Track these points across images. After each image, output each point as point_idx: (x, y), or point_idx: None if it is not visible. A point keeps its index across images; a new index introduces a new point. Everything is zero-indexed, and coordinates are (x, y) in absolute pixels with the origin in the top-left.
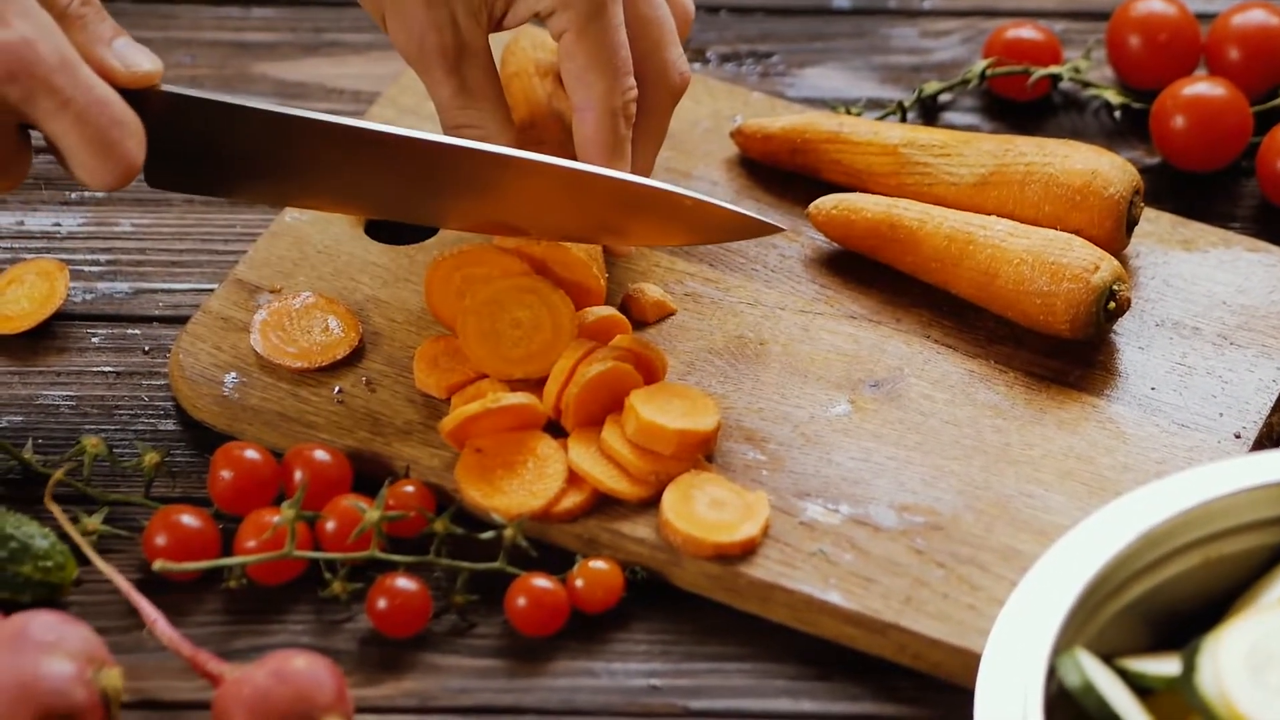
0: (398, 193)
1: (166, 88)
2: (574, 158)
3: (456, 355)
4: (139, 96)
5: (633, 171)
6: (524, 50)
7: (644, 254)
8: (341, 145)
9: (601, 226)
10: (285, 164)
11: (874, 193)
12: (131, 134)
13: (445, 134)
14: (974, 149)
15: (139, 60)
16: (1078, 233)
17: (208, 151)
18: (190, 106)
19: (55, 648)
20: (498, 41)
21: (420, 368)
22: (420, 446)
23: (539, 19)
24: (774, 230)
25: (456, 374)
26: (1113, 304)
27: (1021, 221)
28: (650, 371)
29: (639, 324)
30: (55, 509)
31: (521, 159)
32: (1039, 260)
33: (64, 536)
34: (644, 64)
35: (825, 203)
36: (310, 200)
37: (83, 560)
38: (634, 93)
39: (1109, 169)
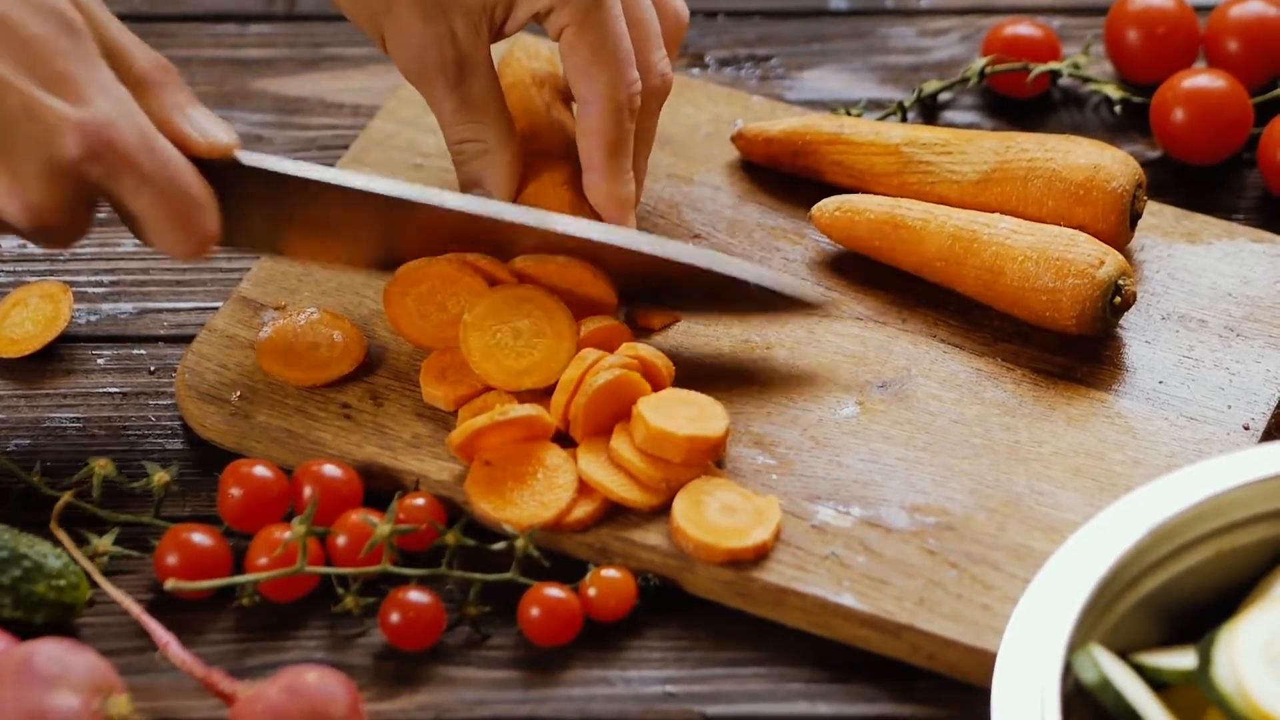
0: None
1: (241, 158)
2: (577, 168)
3: (463, 368)
4: (209, 164)
5: (621, 175)
6: (519, 61)
7: None
8: (397, 214)
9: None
10: (357, 237)
11: (876, 193)
12: (208, 208)
13: (449, 148)
14: (976, 146)
15: (216, 133)
16: (1081, 228)
17: (277, 218)
18: (260, 177)
19: (60, 680)
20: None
21: (427, 381)
22: (429, 459)
23: (538, 20)
24: (815, 308)
25: (464, 386)
26: (1118, 298)
27: (1025, 218)
28: (657, 379)
29: (645, 331)
30: (62, 535)
31: (574, 236)
32: (1043, 256)
33: (75, 560)
34: None
35: (828, 205)
36: (368, 262)
37: (94, 583)
38: (638, 85)
39: (1111, 163)
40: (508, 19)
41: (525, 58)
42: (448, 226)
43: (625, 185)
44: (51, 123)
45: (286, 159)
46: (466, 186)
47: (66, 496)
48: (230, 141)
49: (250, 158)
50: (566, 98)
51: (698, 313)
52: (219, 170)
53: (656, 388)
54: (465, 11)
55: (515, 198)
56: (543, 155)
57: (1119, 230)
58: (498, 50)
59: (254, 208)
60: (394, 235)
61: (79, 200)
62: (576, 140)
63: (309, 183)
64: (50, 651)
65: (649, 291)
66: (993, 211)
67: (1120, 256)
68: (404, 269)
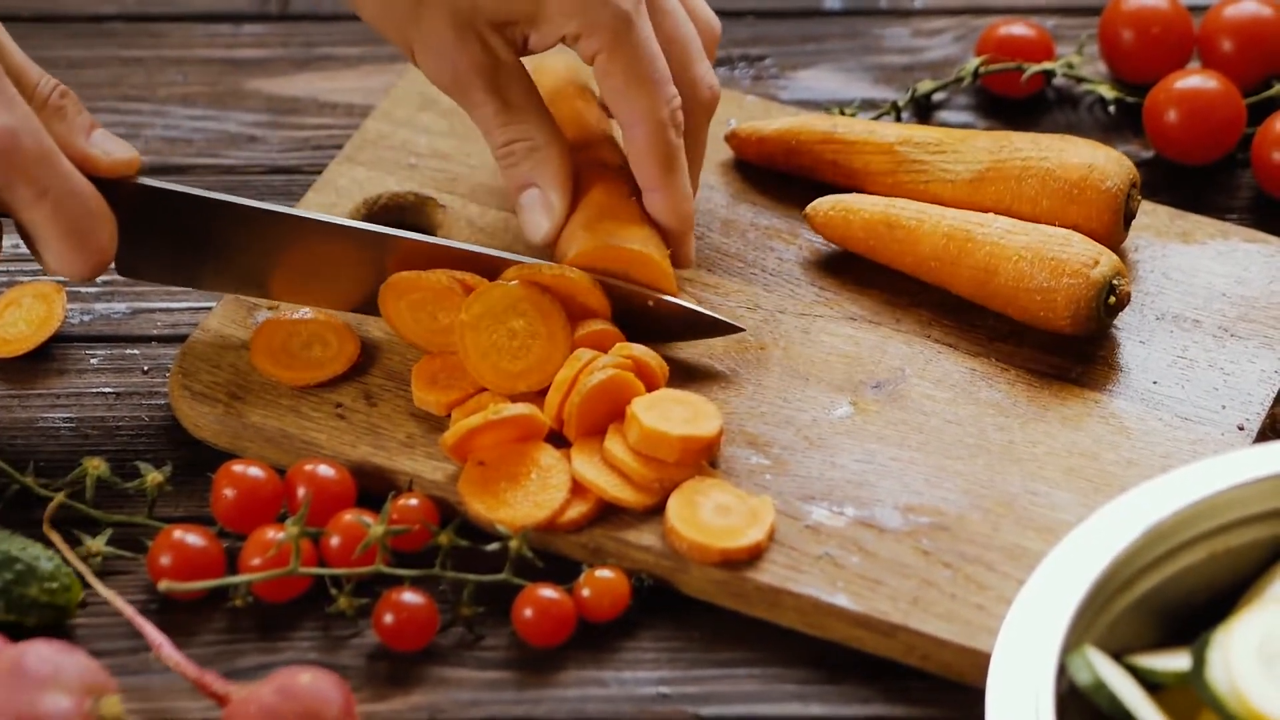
0: (366, 286)
1: (141, 180)
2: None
3: (455, 371)
4: (109, 187)
5: (681, 190)
6: (558, 73)
7: None
8: (314, 238)
9: None
10: (257, 258)
11: (871, 193)
12: (105, 225)
13: (494, 155)
14: (970, 146)
15: (117, 150)
16: (1075, 227)
17: (177, 243)
18: (161, 198)
19: (52, 681)
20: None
21: (418, 386)
22: (423, 460)
23: (566, 44)
24: (734, 330)
25: (455, 390)
26: (1113, 298)
27: (1019, 217)
28: (651, 379)
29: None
30: (55, 537)
31: (505, 259)
32: (1038, 256)
33: (68, 561)
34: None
35: (822, 204)
36: (285, 295)
37: (87, 584)
38: (678, 100)
39: (1105, 162)
40: (530, 38)
41: (562, 68)
42: (348, 248)
43: (686, 200)
44: None
45: (194, 187)
46: (518, 190)
47: (59, 498)
48: (131, 157)
49: (149, 181)
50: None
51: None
52: (118, 193)
53: (650, 388)
54: (490, 25)
55: (576, 201)
56: (600, 165)
57: (1113, 230)
58: (530, 61)
59: (152, 232)
60: (294, 258)
61: None
62: (630, 163)
63: (204, 202)
64: (42, 653)
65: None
66: (987, 211)
67: (1115, 256)
68: (397, 276)
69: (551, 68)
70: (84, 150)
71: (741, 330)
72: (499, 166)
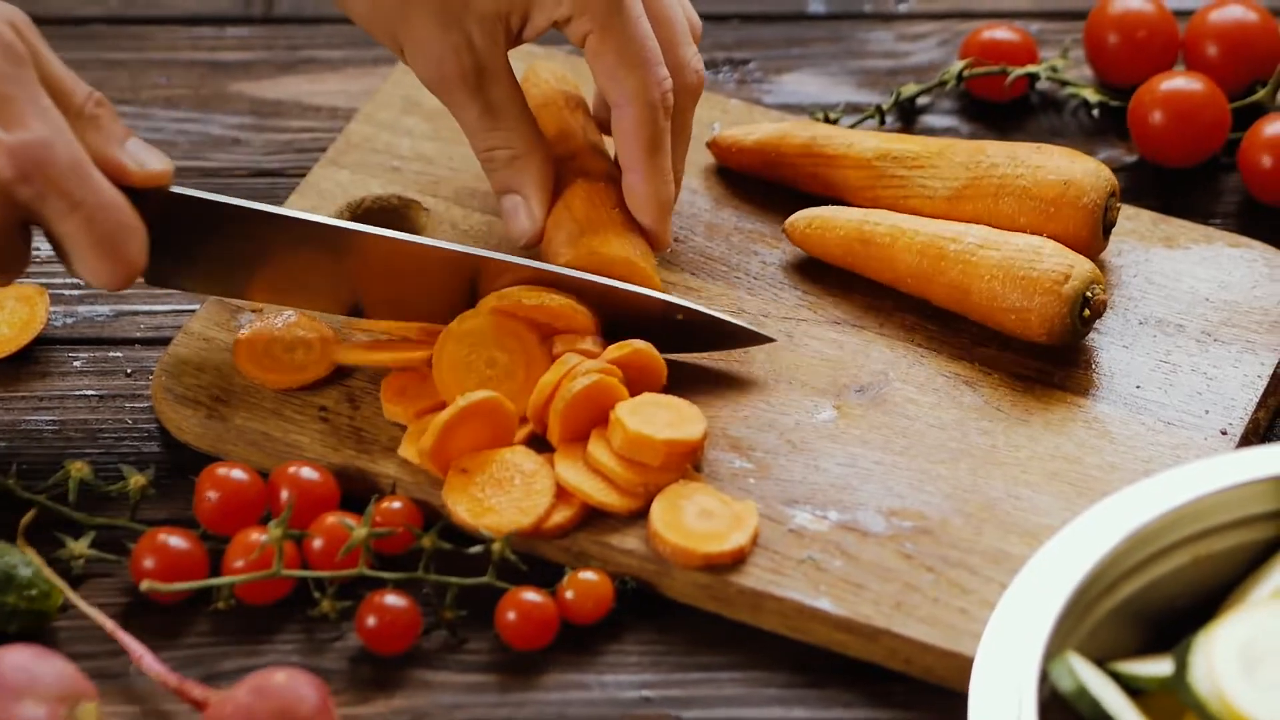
0: (389, 296)
1: (173, 189)
2: (620, 187)
3: (424, 384)
4: (140, 195)
5: (662, 174)
6: (547, 83)
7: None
8: (338, 246)
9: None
10: (286, 266)
11: (852, 203)
12: (136, 237)
13: (478, 158)
14: (948, 161)
15: (151, 161)
16: (1054, 239)
17: (208, 251)
18: (189, 206)
19: (27, 691)
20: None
21: (387, 397)
22: (406, 462)
23: (558, 27)
24: (766, 340)
25: (424, 399)
26: (1087, 310)
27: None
28: (653, 377)
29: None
30: (30, 551)
31: (499, 261)
32: (1009, 275)
33: (52, 564)
34: None
35: (799, 219)
36: (312, 303)
37: (70, 584)
38: (669, 83)
39: (1082, 177)
40: (525, 26)
41: (552, 79)
42: (370, 256)
43: (665, 186)
44: None
45: (227, 195)
46: (500, 194)
47: (31, 515)
48: (164, 169)
49: (179, 189)
50: (599, 122)
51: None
52: (147, 201)
53: (650, 386)
54: (480, 19)
55: (555, 210)
56: (585, 175)
57: (1092, 242)
58: (517, 67)
59: (182, 239)
60: (344, 271)
61: (9, 224)
62: (615, 143)
63: (233, 209)
64: (16, 660)
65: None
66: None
67: (1088, 264)
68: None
69: (541, 79)
70: (118, 161)
71: (772, 340)
72: (482, 169)
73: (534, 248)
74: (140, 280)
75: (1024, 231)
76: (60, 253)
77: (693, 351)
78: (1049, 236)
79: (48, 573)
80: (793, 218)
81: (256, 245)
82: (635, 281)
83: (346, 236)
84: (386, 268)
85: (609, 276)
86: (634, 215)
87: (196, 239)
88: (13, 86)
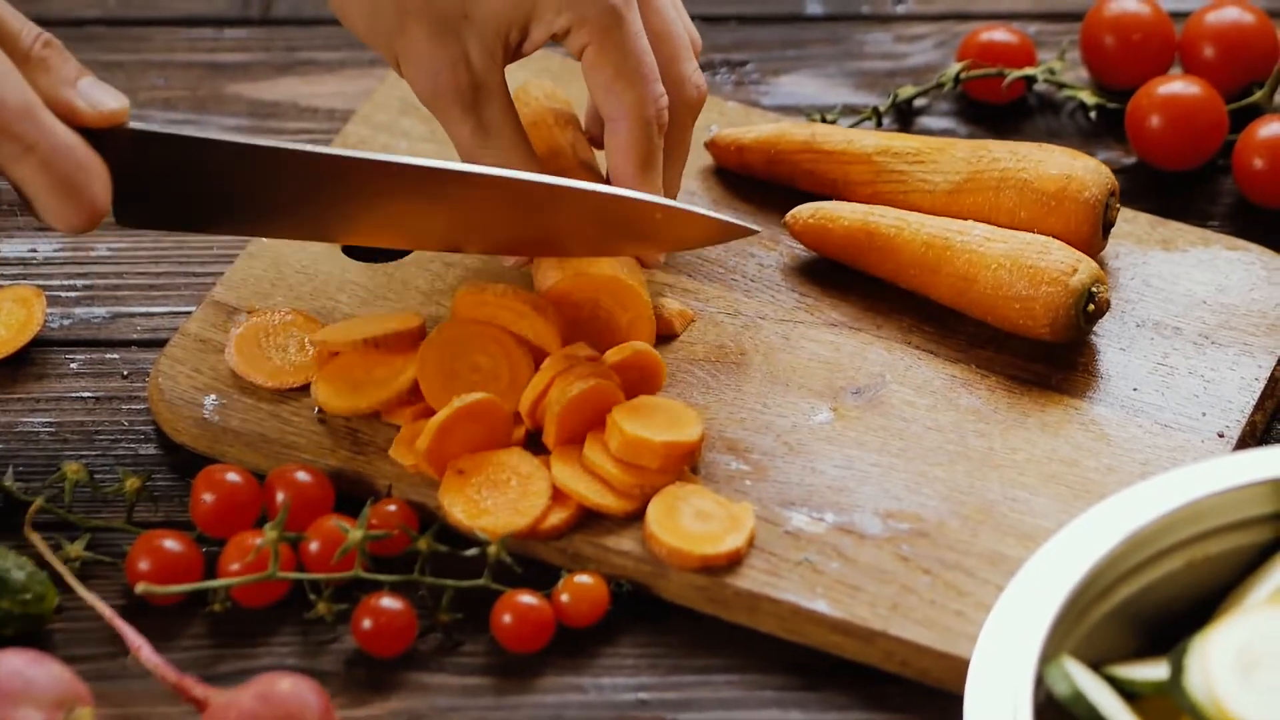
0: (361, 216)
1: (131, 125)
2: None
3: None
4: (101, 135)
5: (663, 190)
6: (538, 100)
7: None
8: (307, 172)
9: (573, 239)
10: (253, 195)
11: (851, 200)
12: (96, 177)
13: None
14: (948, 156)
15: (105, 99)
16: (1054, 237)
17: (175, 187)
18: (152, 142)
19: (23, 696)
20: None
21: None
22: (402, 465)
23: (557, 40)
24: (749, 233)
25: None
26: (1092, 306)
27: (998, 227)
28: (651, 379)
29: (668, 337)
30: (36, 538)
31: (480, 174)
32: (1017, 264)
33: (46, 565)
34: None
35: (802, 211)
36: (282, 230)
37: (64, 588)
38: (664, 100)
39: (1083, 173)
40: (524, 40)
41: (543, 96)
42: (346, 179)
43: None
44: None
45: (183, 126)
46: None
47: (36, 504)
48: (119, 107)
49: (138, 125)
50: (591, 137)
51: (620, 252)
52: (108, 141)
53: (650, 389)
54: (480, 34)
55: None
56: None
57: (1092, 239)
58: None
59: (148, 178)
60: (289, 194)
61: None
62: (607, 158)
63: (197, 141)
64: (11, 665)
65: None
66: (966, 220)
67: (1093, 263)
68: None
69: (531, 97)
70: (70, 102)
71: (757, 232)
72: None
73: (524, 269)
74: (110, 220)
75: (1024, 227)
76: (23, 198)
77: (675, 250)
78: (1049, 232)
79: (53, 559)
80: (794, 211)
81: (226, 178)
82: (623, 299)
83: (323, 162)
84: (364, 189)
85: (597, 297)
86: None
87: (164, 176)
88: None
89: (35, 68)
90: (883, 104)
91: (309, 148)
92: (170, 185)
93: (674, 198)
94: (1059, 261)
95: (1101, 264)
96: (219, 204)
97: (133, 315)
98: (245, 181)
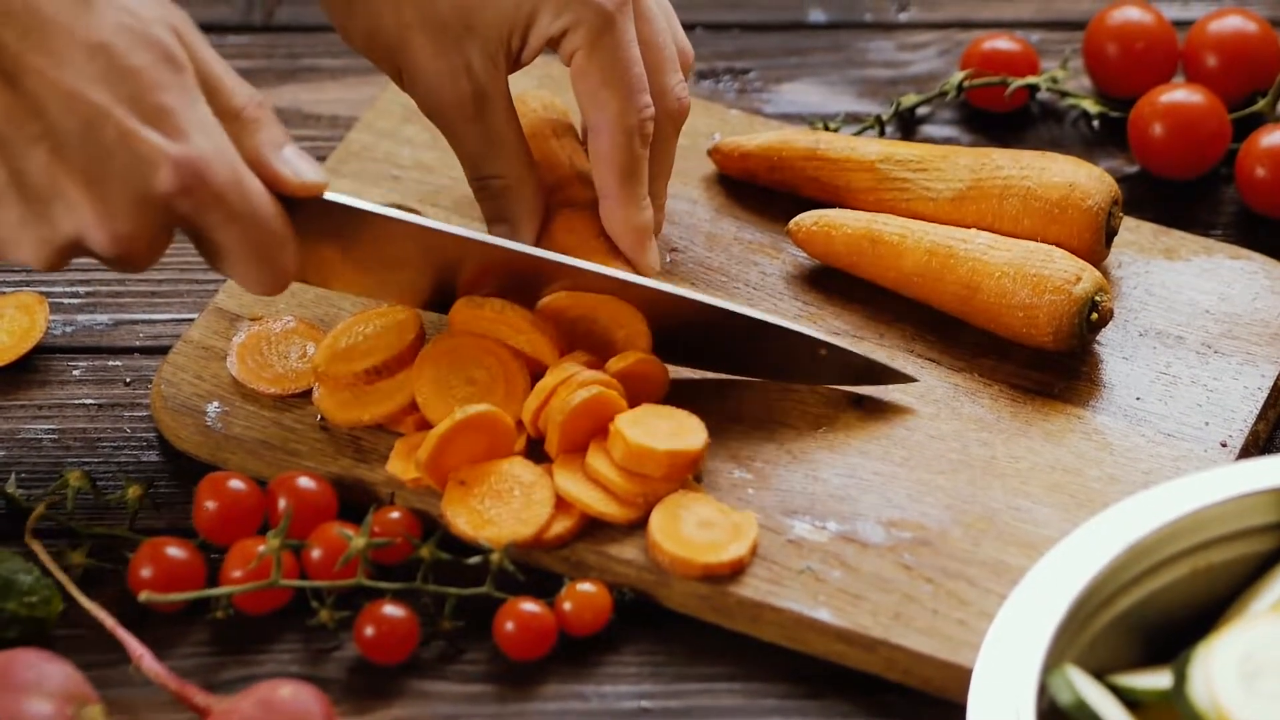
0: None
1: (325, 197)
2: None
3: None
4: (293, 201)
5: (649, 201)
6: (535, 112)
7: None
8: (485, 260)
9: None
10: (418, 272)
11: (854, 208)
12: (288, 248)
13: (470, 185)
14: (951, 164)
15: (308, 172)
16: (1057, 245)
17: (347, 253)
18: (336, 211)
19: (35, 688)
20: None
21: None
22: (404, 472)
23: (552, 45)
24: (907, 380)
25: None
26: (1095, 315)
27: (1001, 235)
28: (655, 388)
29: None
30: (37, 546)
31: (603, 275)
32: (1020, 273)
33: (48, 572)
34: None
35: (805, 219)
36: (412, 300)
37: (68, 594)
38: (650, 110)
39: (1086, 180)
40: (524, 47)
41: (540, 108)
42: (495, 266)
43: (641, 212)
44: (147, 156)
45: (358, 198)
46: (491, 222)
47: (38, 511)
48: (321, 180)
49: (333, 196)
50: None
51: (754, 375)
52: (298, 206)
53: (651, 396)
54: (482, 44)
55: (540, 240)
56: (571, 206)
57: (1094, 247)
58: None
59: (326, 243)
60: (451, 272)
61: (164, 230)
62: (591, 168)
63: (386, 220)
64: (27, 659)
65: (690, 347)
66: (970, 228)
67: (1097, 272)
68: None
69: (529, 107)
70: (275, 169)
71: (914, 380)
72: (474, 195)
73: None
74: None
75: (1027, 235)
76: (208, 256)
77: (824, 384)
78: (1052, 240)
79: (53, 567)
80: (798, 218)
81: (396, 250)
82: (619, 316)
83: (511, 256)
84: (485, 270)
85: (589, 306)
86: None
87: (336, 239)
88: (173, 96)
89: (245, 127)
90: (886, 112)
91: (494, 240)
92: (349, 252)
93: (660, 209)
94: (1062, 270)
95: (1104, 273)
96: (390, 275)
97: (135, 322)
98: (418, 262)
